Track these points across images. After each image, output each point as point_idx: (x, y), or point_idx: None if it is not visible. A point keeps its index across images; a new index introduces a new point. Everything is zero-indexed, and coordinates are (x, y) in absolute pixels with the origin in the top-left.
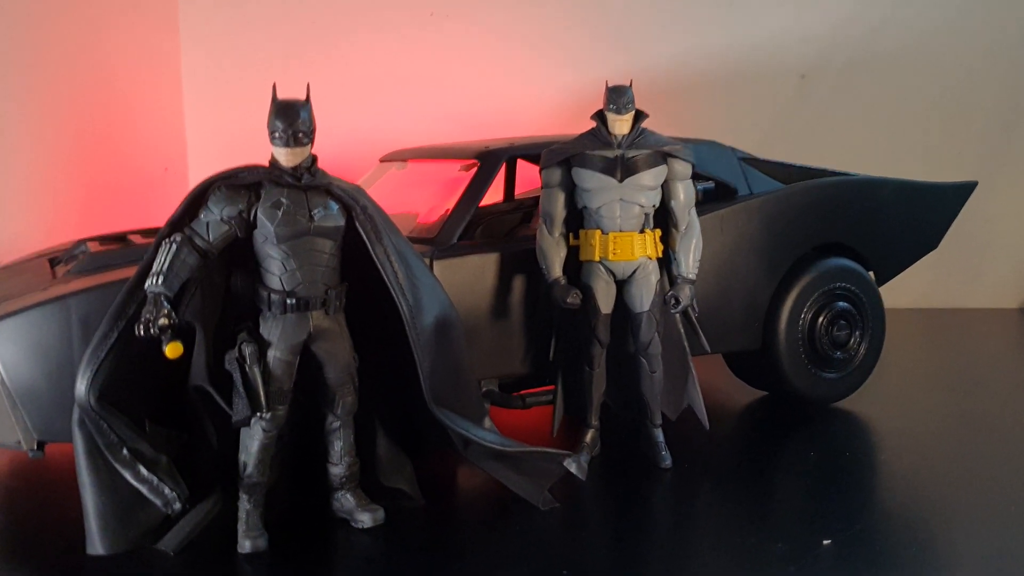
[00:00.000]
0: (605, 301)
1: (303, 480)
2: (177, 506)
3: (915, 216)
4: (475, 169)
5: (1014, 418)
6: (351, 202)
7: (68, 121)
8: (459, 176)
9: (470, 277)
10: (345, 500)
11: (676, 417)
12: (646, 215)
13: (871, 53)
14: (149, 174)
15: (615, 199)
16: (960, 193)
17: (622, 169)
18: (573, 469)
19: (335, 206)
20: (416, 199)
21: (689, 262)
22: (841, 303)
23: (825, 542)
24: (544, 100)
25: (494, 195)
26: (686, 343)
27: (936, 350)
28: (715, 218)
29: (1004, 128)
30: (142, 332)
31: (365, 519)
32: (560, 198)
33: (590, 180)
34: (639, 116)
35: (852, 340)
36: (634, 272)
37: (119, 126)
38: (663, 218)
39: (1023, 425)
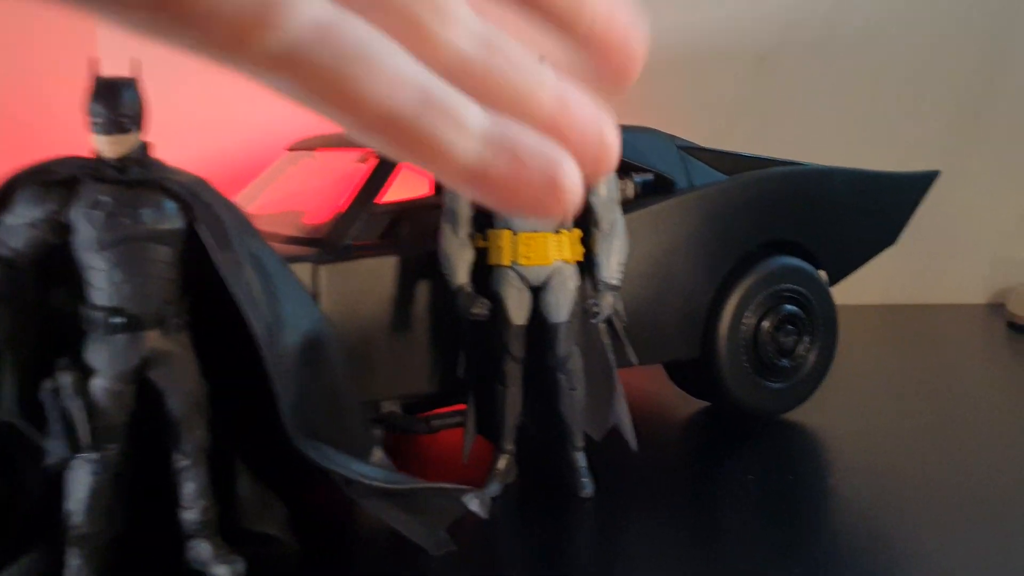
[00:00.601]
0: (517, 311)
1: (156, 527)
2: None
3: (870, 209)
4: (375, 159)
5: (980, 432)
6: (190, 199)
7: None
8: (356, 168)
9: (364, 284)
10: (201, 549)
11: (601, 438)
12: None
13: (833, 34)
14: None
15: None
16: (920, 184)
17: None
18: (474, 507)
19: (171, 205)
20: (323, 193)
21: (612, 266)
22: (788, 306)
23: None
24: None
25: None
26: (611, 356)
27: (896, 352)
28: (648, 214)
29: (972, 114)
30: None
31: (222, 572)
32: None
33: None
34: None
35: (800, 346)
36: (549, 278)
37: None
38: (583, 216)
39: (989, 441)
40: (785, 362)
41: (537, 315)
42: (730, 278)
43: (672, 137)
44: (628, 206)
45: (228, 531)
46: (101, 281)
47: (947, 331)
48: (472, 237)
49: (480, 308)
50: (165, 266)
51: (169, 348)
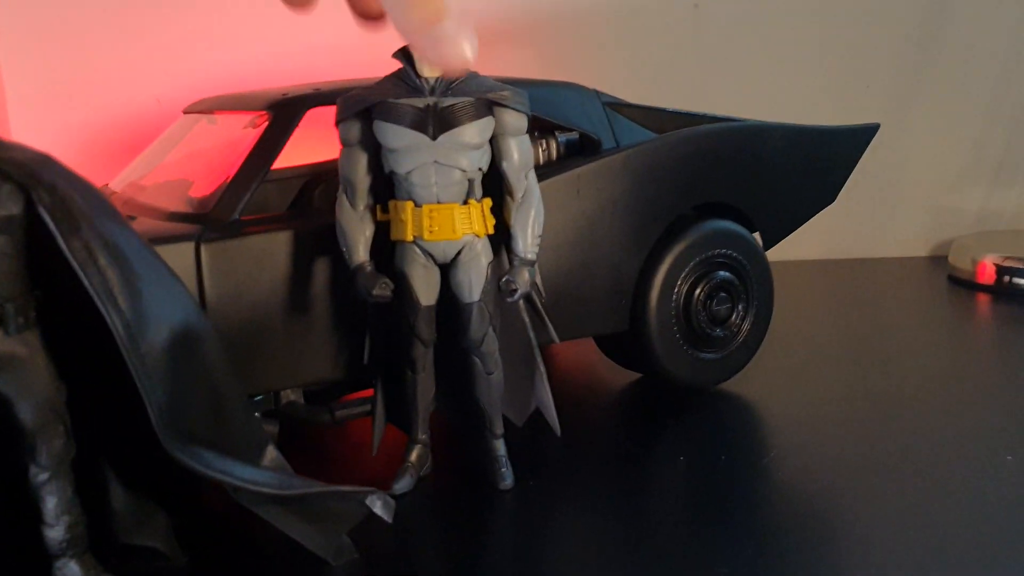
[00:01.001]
0: (425, 291)
1: (17, 549)
2: None
3: (809, 167)
4: (265, 124)
5: (921, 394)
6: (28, 180)
7: None
8: (246, 133)
9: (256, 263)
10: (69, 570)
11: (523, 423)
12: (470, 181)
13: None
14: None
15: (429, 162)
16: (861, 138)
17: (435, 123)
18: (377, 509)
19: (6, 188)
20: (214, 162)
21: (528, 238)
22: (722, 272)
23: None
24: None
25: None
26: (532, 335)
27: (834, 310)
28: (571, 178)
29: (912, 65)
30: None
31: None
32: (362, 160)
33: (396, 137)
34: None
35: (735, 315)
36: (458, 254)
37: None
38: (495, 185)
39: (931, 403)
40: (719, 331)
41: (448, 294)
42: (660, 245)
43: (597, 92)
44: (550, 169)
45: (104, 547)
46: None
47: (887, 286)
48: (372, 210)
49: (382, 289)
50: (3, 258)
51: (13, 350)
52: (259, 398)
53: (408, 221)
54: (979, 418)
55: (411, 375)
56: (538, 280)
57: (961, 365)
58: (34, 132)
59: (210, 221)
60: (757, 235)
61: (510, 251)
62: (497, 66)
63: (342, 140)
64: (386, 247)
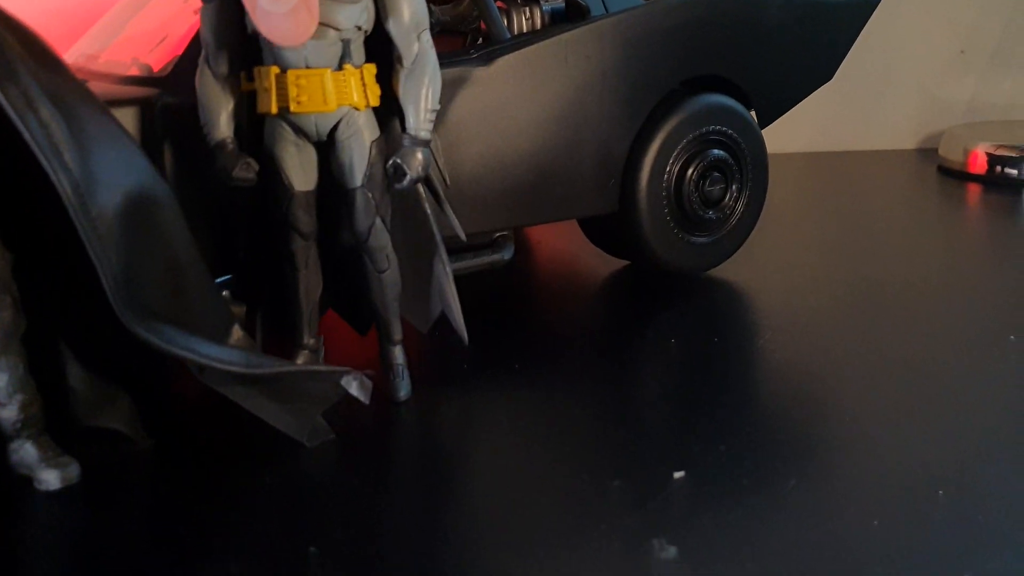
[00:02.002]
0: (298, 174)
1: None
2: None
3: (807, 39)
4: None
5: (911, 285)
6: None
7: None
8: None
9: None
10: (25, 452)
11: (428, 329)
12: (345, 43)
13: None
14: None
15: None
16: (861, 11)
17: None
18: (353, 390)
19: None
20: (179, 31)
21: (419, 113)
22: (715, 151)
23: (676, 475)
24: None
25: None
26: (435, 228)
27: (823, 202)
28: (557, 44)
29: None
30: None
31: (50, 478)
32: (225, 18)
33: None
34: None
35: (728, 196)
36: (335, 130)
37: None
38: (383, 49)
39: (920, 294)
40: (711, 214)
41: (329, 179)
42: (650, 120)
43: None
44: (534, 35)
45: (63, 429)
46: None
47: (876, 178)
48: (236, 77)
49: (244, 170)
50: None
51: None
52: (226, 277)
53: (272, 89)
54: (978, 303)
55: (292, 273)
56: (440, 163)
57: (955, 253)
58: None
59: (167, 84)
60: (752, 113)
61: (402, 128)
62: None
63: None
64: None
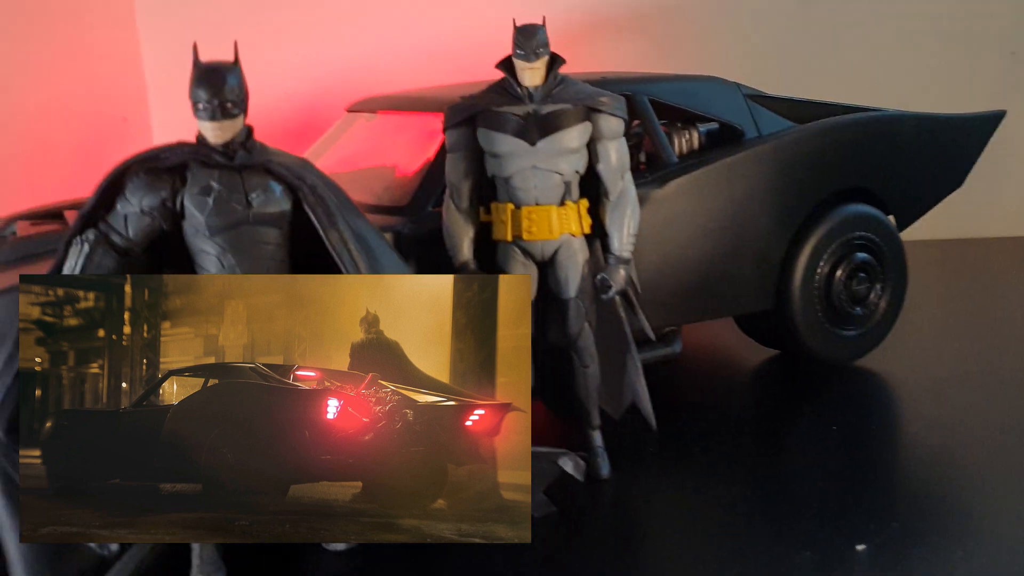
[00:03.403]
0: None
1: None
2: (113, 546)
3: (939, 153)
4: None
5: None
6: (296, 182)
7: (3, 64)
8: (434, 130)
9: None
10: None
11: (619, 416)
12: (567, 184)
13: None
14: (103, 125)
15: (528, 166)
16: (987, 125)
17: (536, 129)
18: (569, 468)
19: (277, 187)
20: (387, 156)
21: (623, 238)
22: (860, 254)
23: (859, 547)
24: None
25: None
26: (627, 330)
27: (950, 288)
28: (722, 167)
29: (1014, 49)
30: None
31: (339, 545)
32: (465, 165)
33: (498, 144)
34: (555, 62)
35: (872, 294)
36: (556, 252)
37: (65, 69)
38: (592, 186)
39: None
40: (858, 310)
41: (547, 292)
42: (803, 228)
43: (738, 85)
44: (700, 159)
45: None
46: (212, 265)
47: (1000, 265)
48: (475, 211)
49: None
50: (274, 248)
51: None
52: None
53: (507, 222)
54: None
55: None
56: (634, 276)
57: None
58: (173, 132)
59: (408, 213)
60: (891, 218)
61: (606, 250)
62: (614, 58)
63: (448, 146)
64: (488, 246)
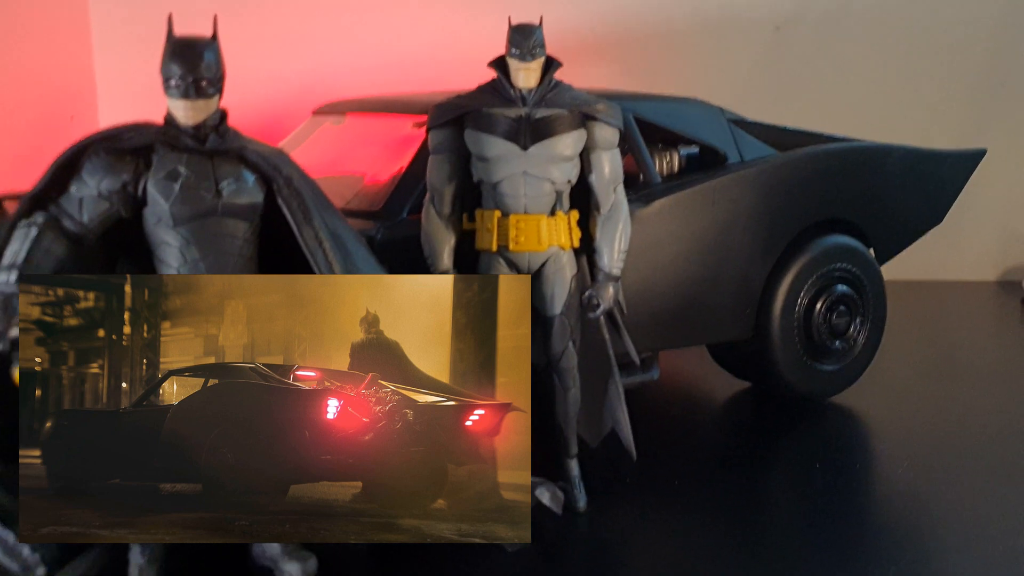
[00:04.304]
0: None
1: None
2: (40, 571)
3: (921, 187)
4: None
5: (1014, 411)
6: (271, 172)
7: None
8: (410, 134)
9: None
10: (268, 545)
11: (597, 444)
12: (558, 193)
13: (849, 4)
14: (50, 123)
15: (518, 172)
16: (969, 162)
17: (528, 133)
18: (545, 500)
19: (250, 177)
20: (356, 160)
21: (614, 254)
22: (841, 286)
23: None
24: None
25: None
26: (611, 352)
27: (919, 328)
28: (707, 190)
29: (989, 90)
30: None
31: (293, 570)
32: (449, 168)
33: (487, 146)
34: (550, 65)
35: (852, 328)
36: (543, 265)
37: (10, 64)
38: (583, 198)
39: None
40: (838, 344)
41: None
42: (784, 257)
43: (721, 109)
44: (685, 180)
45: None
46: (173, 258)
47: (964, 307)
48: (458, 218)
49: None
50: (242, 243)
51: None
52: None
53: (494, 230)
54: None
55: None
56: (621, 297)
57: None
58: None
59: (382, 218)
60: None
61: (594, 266)
62: (596, 83)
63: (432, 147)
64: (470, 257)
